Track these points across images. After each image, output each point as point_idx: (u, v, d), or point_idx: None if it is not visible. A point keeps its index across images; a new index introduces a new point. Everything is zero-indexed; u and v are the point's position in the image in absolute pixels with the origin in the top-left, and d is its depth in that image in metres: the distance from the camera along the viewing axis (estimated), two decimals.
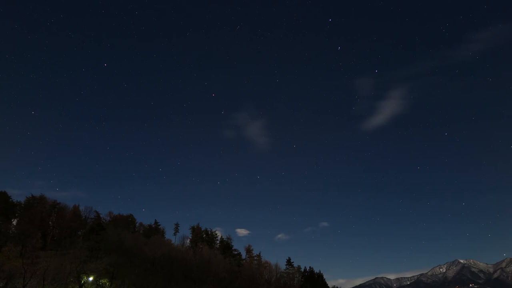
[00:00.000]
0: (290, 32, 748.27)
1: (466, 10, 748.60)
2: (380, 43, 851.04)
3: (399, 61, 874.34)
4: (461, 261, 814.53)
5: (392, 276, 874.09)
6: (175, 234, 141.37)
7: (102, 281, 75.32)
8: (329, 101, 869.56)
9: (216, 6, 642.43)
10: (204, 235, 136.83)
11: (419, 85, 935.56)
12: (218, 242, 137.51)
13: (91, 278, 73.65)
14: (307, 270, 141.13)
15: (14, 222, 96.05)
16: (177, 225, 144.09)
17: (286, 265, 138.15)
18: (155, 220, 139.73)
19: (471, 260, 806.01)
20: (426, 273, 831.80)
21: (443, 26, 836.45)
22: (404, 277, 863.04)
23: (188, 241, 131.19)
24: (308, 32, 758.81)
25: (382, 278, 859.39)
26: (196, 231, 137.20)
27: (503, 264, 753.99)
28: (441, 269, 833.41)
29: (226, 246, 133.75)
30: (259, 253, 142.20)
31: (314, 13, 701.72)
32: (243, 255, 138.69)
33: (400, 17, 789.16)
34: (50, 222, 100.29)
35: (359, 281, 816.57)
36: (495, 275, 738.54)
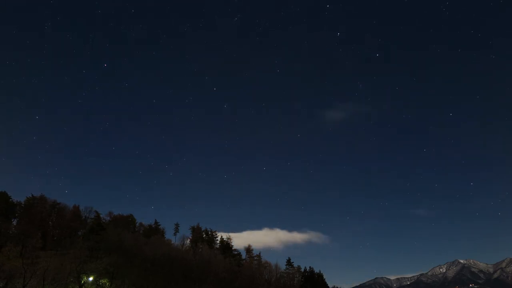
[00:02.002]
0: (288, 20, 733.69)
1: None
2: (381, 40, 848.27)
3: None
4: (461, 261, 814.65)
5: (392, 276, 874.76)
6: (175, 234, 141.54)
7: (102, 281, 75.39)
8: (330, 90, 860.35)
9: None
10: (204, 235, 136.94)
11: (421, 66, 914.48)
12: (218, 242, 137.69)
13: (91, 278, 73.71)
14: (307, 270, 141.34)
15: (14, 222, 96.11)
16: (177, 225, 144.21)
17: (286, 265, 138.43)
18: (155, 220, 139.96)
19: (471, 260, 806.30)
20: (426, 273, 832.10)
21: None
22: (404, 277, 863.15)
23: (188, 241, 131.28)
24: (306, 19, 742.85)
25: (382, 278, 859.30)
26: (196, 231, 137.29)
27: (503, 264, 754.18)
28: (441, 269, 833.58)
29: (226, 246, 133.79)
30: (259, 253, 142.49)
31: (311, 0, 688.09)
32: (243, 255, 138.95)
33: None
34: (50, 222, 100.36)
35: (359, 281, 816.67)
36: (495, 275, 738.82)
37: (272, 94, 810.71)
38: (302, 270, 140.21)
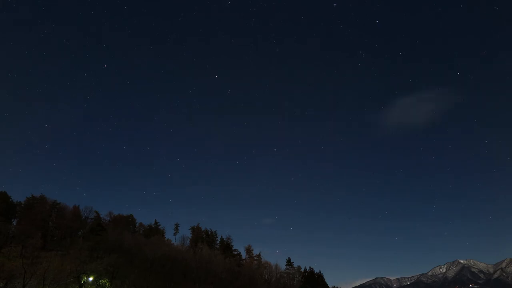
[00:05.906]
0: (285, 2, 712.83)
1: None
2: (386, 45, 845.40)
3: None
4: (461, 261, 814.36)
5: (392, 276, 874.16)
6: (175, 234, 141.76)
7: (102, 281, 75.27)
8: (329, 78, 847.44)
9: None
10: (204, 235, 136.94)
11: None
12: (218, 242, 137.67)
13: (91, 278, 73.60)
14: (307, 270, 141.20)
15: (14, 222, 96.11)
16: (177, 225, 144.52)
17: (286, 265, 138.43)
18: (155, 220, 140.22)
19: (471, 260, 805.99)
20: (426, 273, 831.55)
21: None
22: (404, 277, 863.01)
23: (188, 241, 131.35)
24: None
25: (382, 278, 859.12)
26: (196, 231, 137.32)
27: (503, 264, 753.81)
28: (441, 269, 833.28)
29: (226, 246, 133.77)
30: (259, 253, 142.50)
31: None
32: (243, 255, 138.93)
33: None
34: (50, 222, 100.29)
35: (359, 281, 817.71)
36: (495, 275, 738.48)
37: (276, 78, 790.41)
38: (302, 270, 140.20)
